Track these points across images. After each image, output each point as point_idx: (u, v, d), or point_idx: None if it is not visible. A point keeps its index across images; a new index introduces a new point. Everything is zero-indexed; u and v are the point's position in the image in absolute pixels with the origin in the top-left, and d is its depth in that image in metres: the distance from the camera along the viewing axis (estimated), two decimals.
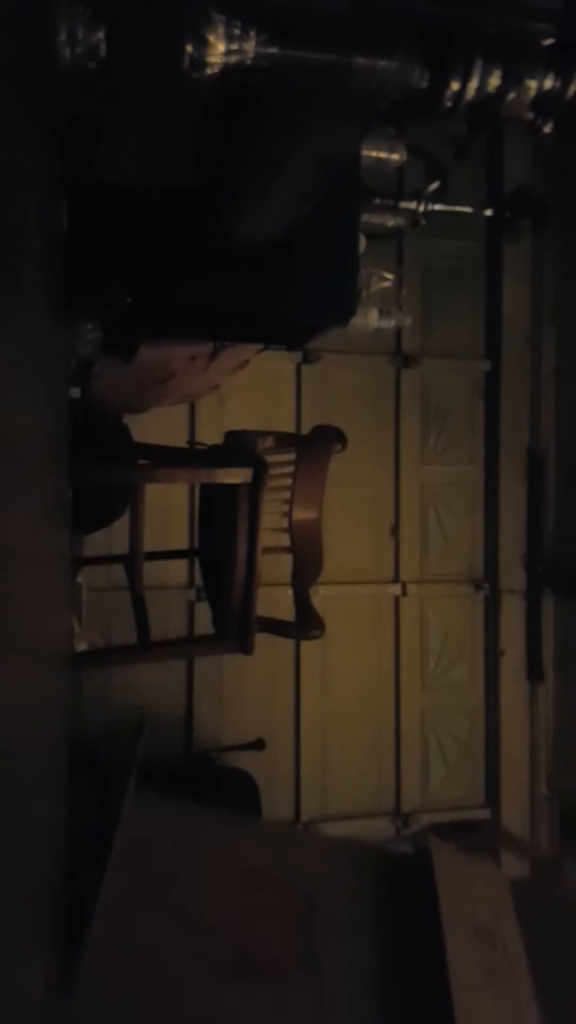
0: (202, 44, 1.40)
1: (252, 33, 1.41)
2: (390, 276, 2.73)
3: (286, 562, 2.66)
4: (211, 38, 1.40)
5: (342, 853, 2.46)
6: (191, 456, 3.01)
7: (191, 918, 1.90)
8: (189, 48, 1.40)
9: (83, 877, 1.78)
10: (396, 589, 4.39)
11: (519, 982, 1.79)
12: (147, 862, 1.95)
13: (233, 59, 1.41)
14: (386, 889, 2.08)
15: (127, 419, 3.17)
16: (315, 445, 2.69)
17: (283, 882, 2.11)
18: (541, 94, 1.53)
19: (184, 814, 2.22)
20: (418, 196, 3.00)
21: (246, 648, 2.51)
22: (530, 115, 1.57)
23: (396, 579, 4.40)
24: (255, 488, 2.40)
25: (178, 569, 3.92)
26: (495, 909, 1.95)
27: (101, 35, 1.37)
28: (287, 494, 2.57)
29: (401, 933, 1.95)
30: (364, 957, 1.94)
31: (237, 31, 1.41)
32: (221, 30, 1.40)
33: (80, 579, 3.49)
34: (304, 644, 4.01)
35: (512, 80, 1.50)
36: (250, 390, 3.86)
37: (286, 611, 2.68)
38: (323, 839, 2.81)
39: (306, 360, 4.17)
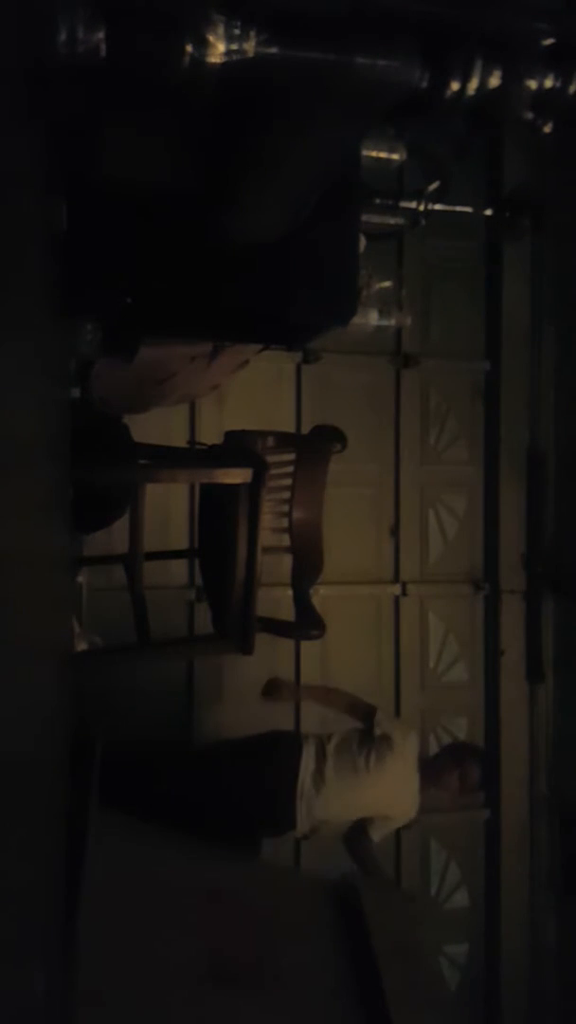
0: (202, 44, 1.40)
1: (252, 33, 1.41)
2: (388, 284, 2.73)
3: (286, 562, 2.66)
4: (211, 38, 1.40)
5: (293, 878, 2.68)
6: (191, 456, 3.01)
7: (167, 932, 2.00)
8: (189, 48, 1.40)
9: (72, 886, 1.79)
10: (396, 589, 4.38)
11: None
12: (119, 881, 2.03)
13: (233, 59, 1.41)
14: (332, 910, 2.31)
15: (127, 419, 3.16)
16: (315, 445, 2.70)
17: (245, 899, 2.26)
18: (541, 94, 1.53)
19: (150, 834, 2.37)
20: (418, 196, 2.99)
21: (246, 648, 2.51)
22: (530, 115, 1.57)
23: (396, 579, 4.39)
24: (255, 488, 2.40)
25: (178, 569, 3.92)
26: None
27: (101, 35, 1.37)
28: (287, 494, 2.57)
29: (347, 949, 2.18)
30: (320, 968, 2.15)
31: (237, 31, 1.41)
32: (221, 30, 1.40)
33: (80, 579, 3.49)
34: (304, 644, 4.00)
35: (512, 80, 1.50)
36: (250, 390, 3.85)
37: (286, 611, 2.68)
38: (277, 867, 2.94)
39: (306, 360, 4.16)
